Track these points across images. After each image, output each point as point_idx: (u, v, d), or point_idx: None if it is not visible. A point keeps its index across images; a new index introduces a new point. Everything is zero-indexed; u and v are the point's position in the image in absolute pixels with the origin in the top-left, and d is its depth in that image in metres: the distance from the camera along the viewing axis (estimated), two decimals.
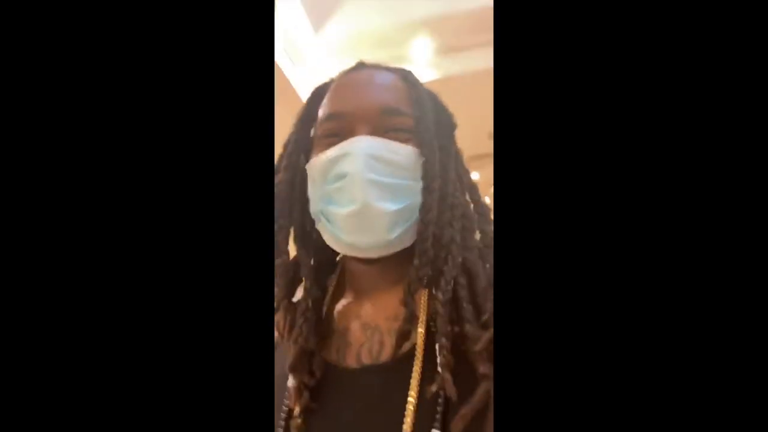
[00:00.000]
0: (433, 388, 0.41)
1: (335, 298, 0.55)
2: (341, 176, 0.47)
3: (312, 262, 0.54)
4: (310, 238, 0.55)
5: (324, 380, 0.47)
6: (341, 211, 0.46)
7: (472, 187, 0.56)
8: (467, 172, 0.56)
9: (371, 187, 0.45)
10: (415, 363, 0.43)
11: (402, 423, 0.41)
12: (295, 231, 0.54)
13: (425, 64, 3.14)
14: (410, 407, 0.41)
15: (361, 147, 0.47)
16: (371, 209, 0.45)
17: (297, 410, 0.45)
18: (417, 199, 0.48)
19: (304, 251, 0.53)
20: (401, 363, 0.44)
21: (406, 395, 0.42)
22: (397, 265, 0.49)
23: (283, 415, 0.47)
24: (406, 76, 0.55)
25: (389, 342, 0.47)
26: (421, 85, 0.54)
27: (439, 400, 0.40)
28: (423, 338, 0.45)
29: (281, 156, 0.56)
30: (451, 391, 0.39)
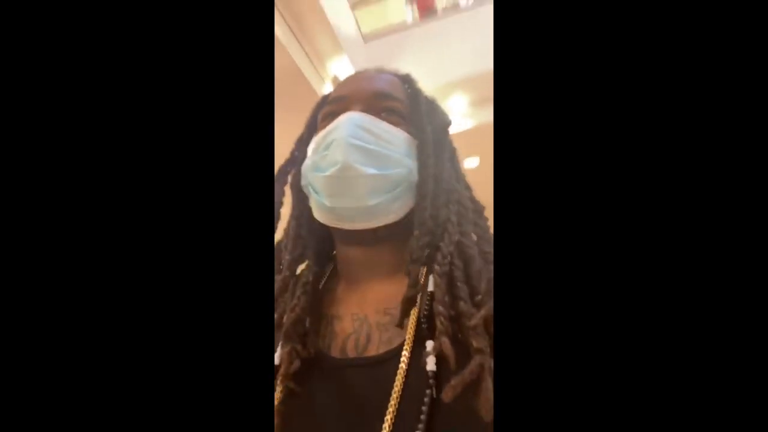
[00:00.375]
0: (428, 364, 0.40)
1: (328, 286, 0.56)
2: (329, 144, 0.50)
3: (313, 242, 0.56)
4: (311, 225, 0.57)
5: (309, 365, 0.46)
6: (323, 174, 0.49)
7: (466, 183, 0.59)
8: (461, 169, 0.59)
9: (353, 150, 0.48)
10: (402, 357, 0.42)
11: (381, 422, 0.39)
12: (297, 217, 0.57)
13: (461, 115, 3.75)
14: (392, 403, 0.40)
15: (349, 117, 0.51)
16: (350, 170, 0.47)
17: (279, 388, 0.45)
18: (401, 171, 0.51)
19: (306, 232, 0.56)
20: (388, 359, 0.43)
21: (380, 390, 0.41)
22: (387, 254, 0.51)
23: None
24: (403, 77, 0.60)
25: (377, 336, 0.47)
26: (416, 84, 0.59)
27: (425, 399, 0.39)
28: (413, 330, 0.44)
29: (291, 151, 0.60)
30: (449, 352, 0.39)
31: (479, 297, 0.43)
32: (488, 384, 0.36)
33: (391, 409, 0.39)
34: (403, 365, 0.42)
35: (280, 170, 0.59)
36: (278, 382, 0.45)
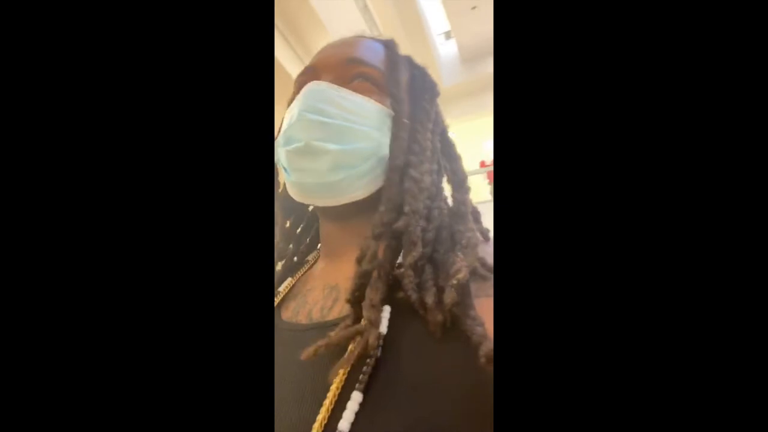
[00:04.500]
0: (381, 326, 0.39)
1: (310, 270, 0.55)
2: (291, 118, 0.48)
3: (287, 224, 0.56)
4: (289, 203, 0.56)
5: (277, 336, 0.46)
6: (289, 147, 0.47)
7: (451, 154, 0.55)
8: (448, 139, 0.56)
9: (312, 126, 0.46)
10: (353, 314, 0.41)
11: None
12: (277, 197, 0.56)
13: None
14: (344, 362, 0.38)
15: (309, 90, 0.48)
16: (311, 147, 0.46)
17: None
18: (367, 145, 0.48)
19: (281, 213, 0.55)
20: (343, 320, 0.42)
21: (339, 354, 0.39)
22: (361, 228, 0.48)
23: None
24: (387, 43, 0.56)
25: (342, 300, 0.45)
26: (398, 49, 0.55)
27: (368, 360, 0.38)
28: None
29: (278, 129, 0.58)
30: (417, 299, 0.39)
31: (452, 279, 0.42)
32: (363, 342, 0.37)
33: (341, 371, 0.38)
34: (355, 323, 0.41)
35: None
36: None
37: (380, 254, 0.43)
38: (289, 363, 0.43)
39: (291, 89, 0.53)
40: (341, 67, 0.50)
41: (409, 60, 0.57)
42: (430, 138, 0.52)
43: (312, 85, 0.48)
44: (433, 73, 0.59)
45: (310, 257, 0.57)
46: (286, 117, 0.50)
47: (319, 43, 0.56)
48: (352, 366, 0.38)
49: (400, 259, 0.44)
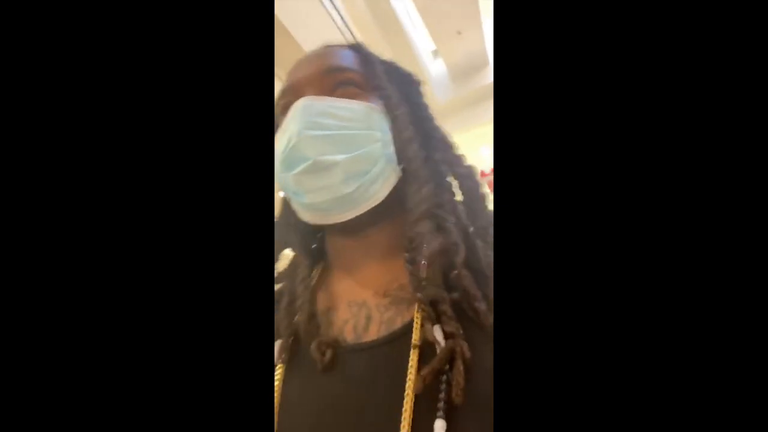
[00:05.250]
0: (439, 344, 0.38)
1: (321, 282, 0.53)
2: (289, 140, 0.46)
3: (299, 239, 0.54)
4: (286, 222, 0.56)
5: (306, 357, 0.44)
6: (296, 170, 0.46)
7: (443, 143, 0.55)
8: (436, 128, 0.55)
9: (316, 142, 0.45)
10: (413, 339, 0.39)
11: (395, 406, 0.37)
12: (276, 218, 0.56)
13: None
14: (408, 391, 0.37)
15: (302, 106, 0.47)
16: (320, 164, 0.45)
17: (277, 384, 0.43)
18: (373, 147, 0.47)
19: (289, 231, 0.54)
20: (392, 340, 0.41)
21: (395, 376, 0.38)
22: (380, 236, 0.48)
23: None
24: (355, 46, 0.56)
25: (377, 317, 0.44)
26: (368, 49, 0.55)
27: (441, 387, 0.36)
28: (421, 311, 0.41)
29: None
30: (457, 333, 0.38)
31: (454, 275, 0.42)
32: (459, 367, 0.36)
33: (409, 391, 0.36)
34: (414, 346, 0.39)
35: None
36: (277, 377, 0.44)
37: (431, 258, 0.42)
38: (329, 385, 0.41)
39: None
40: (322, 78, 0.50)
41: (377, 57, 0.56)
42: (433, 125, 0.52)
43: (302, 102, 0.47)
44: (427, 91, 0.59)
45: (313, 272, 0.55)
46: (281, 141, 0.48)
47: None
48: (416, 386, 0.37)
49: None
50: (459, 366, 0.36)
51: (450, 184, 0.51)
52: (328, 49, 0.54)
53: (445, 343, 0.38)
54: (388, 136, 0.49)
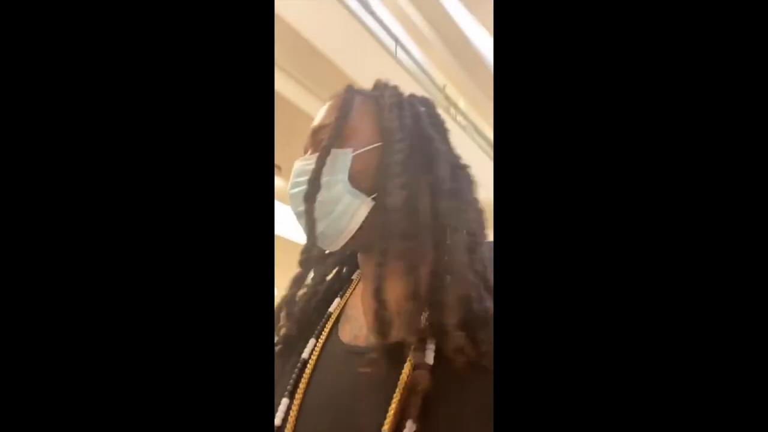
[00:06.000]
0: (427, 357, 0.43)
1: (358, 290, 0.60)
2: None
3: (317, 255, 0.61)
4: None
5: (326, 355, 0.52)
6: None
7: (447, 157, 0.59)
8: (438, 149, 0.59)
9: (294, 198, 0.57)
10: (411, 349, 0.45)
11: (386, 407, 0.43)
12: None
13: None
14: (397, 392, 0.43)
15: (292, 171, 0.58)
16: (298, 215, 0.56)
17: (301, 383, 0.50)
18: (333, 190, 0.55)
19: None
20: (401, 345, 0.46)
21: (391, 378, 0.44)
22: (386, 252, 0.53)
23: (286, 392, 0.50)
24: (344, 92, 0.61)
25: (397, 323, 0.48)
26: (351, 92, 0.60)
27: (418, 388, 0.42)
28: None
29: None
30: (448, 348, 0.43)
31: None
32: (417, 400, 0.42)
33: (394, 402, 0.43)
34: (410, 359, 0.45)
35: None
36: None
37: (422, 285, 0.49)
38: (342, 381, 0.49)
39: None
40: (312, 138, 0.59)
41: (388, 91, 0.62)
42: (404, 151, 0.56)
43: (294, 167, 0.58)
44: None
45: (354, 275, 0.62)
46: None
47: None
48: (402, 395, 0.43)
49: None
50: (417, 399, 0.42)
51: (433, 209, 0.54)
52: (326, 106, 0.61)
53: (408, 376, 0.44)
54: (346, 175, 0.55)
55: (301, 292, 0.59)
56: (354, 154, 0.56)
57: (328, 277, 0.63)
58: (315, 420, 0.47)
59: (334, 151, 0.55)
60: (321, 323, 0.56)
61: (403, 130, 0.57)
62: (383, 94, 0.61)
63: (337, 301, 0.59)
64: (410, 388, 0.43)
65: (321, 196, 0.54)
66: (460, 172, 0.58)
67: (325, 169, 0.55)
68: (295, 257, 0.58)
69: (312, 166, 0.55)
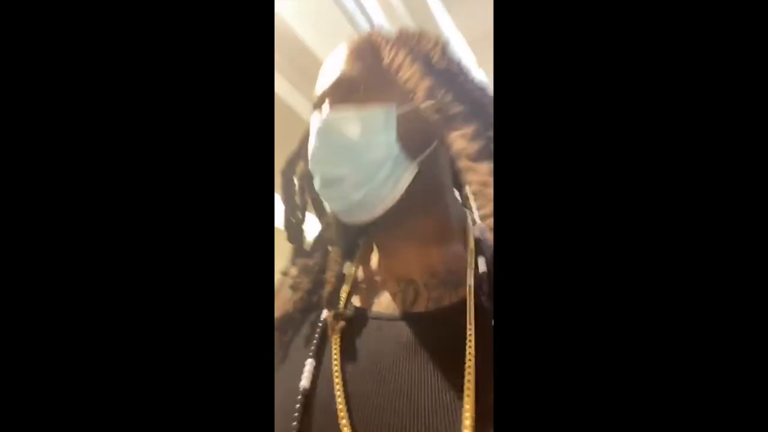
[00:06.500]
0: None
1: (366, 256, 0.56)
2: (309, 156, 0.52)
3: (334, 224, 0.58)
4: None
5: (355, 325, 0.48)
6: (315, 184, 0.52)
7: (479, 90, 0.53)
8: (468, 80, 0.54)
9: (324, 157, 0.50)
10: (468, 312, 0.43)
11: (451, 374, 0.40)
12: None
13: None
14: (470, 361, 0.40)
15: (314, 124, 0.51)
16: (328, 178, 0.50)
17: (334, 347, 0.46)
18: (377, 153, 0.49)
19: (323, 219, 0.59)
20: (441, 316, 0.45)
21: (447, 347, 0.42)
22: (410, 227, 0.51)
23: (311, 353, 0.47)
24: (369, 40, 0.54)
25: (425, 294, 0.47)
26: (379, 39, 0.52)
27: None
28: (473, 291, 0.45)
29: (298, 145, 0.61)
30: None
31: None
32: None
33: (469, 362, 0.40)
34: (471, 319, 0.43)
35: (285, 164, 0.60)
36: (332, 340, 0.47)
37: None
38: (379, 350, 0.45)
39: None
40: (333, 91, 0.52)
41: (402, 35, 0.54)
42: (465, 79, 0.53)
43: (314, 120, 0.51)
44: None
45: (360, 240, 0.59)
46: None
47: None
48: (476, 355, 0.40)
49: None
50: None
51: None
52: (340, 54, 0.54)
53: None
54: (393, 135, 0.49)
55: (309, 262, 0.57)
56: (400, 112, 0.49)
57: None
58: (367, 386, 0.43)
59: (374, 107, 0.49)
60: (335, 289, 0.52)
61: (453, 82, 0.49)
62: (420, 42, 0.52)
63: (348, 264, 0.55)
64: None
65: (362, 158, 0.48)
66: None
67: (365, 127, 0.49)
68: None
69: (349, 123, 0.49)
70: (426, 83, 0.45)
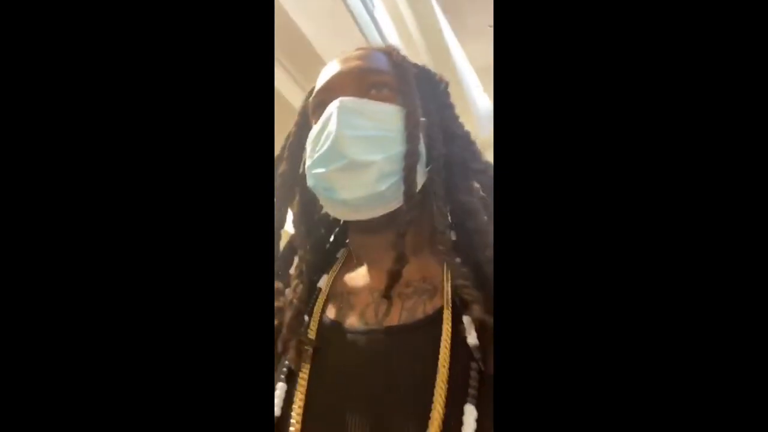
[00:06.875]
0: (470, 338, 0.40)
1: (344, 269, 0.56)
2: (327, 138, 0.49)
3: (306, 232, 0.56)
4: (310, 215, 0.58)
5: (326, 338, 0.47)
6: (331, 168, 0.48)
7: (466, 139, 0.57)
8: (461, 129, 0.58)
9: (353, 141, 0.48)
10: (444, 325, 0.42)
11: (421, 391, 0.39)
12: (294, 210, 0.57)
13: None
14: (442, 373, 0.39)
15: (340, 105, 0.49)
16: (356, 163, 0.47)
17: (303, 367, 0.45)
18: (403, 149, 0.49)
19: (302, 226, 0.56)
20: (416, 328, 0.44)
21: (418, 362, 0.41)
22: (393, 235, 0.49)
23: (283, 376, 0.46)
24: (387, 49, 0.57)
25: (398, 305, 0.47)
26: (401, 53, 0.57)
27: (471, 373, 0.39)
28: (450, 303, 0.44)
29: (282, 147, 0.59)
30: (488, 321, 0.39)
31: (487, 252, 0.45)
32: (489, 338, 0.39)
33: (441, 380, 0.39)
34: (446, 336, 0.41)
35: (278, 174, 0.58)
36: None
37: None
38: (348, 364, 0.44)
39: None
40: (357, 80, 0.52)
41: (408, 60, 0.58)
42: (457, 124, 0.55)
43: (340, 102, 0.49)
44: (468, 119, 0.60)
45: (338, 254, 0.58)
46: (315, 139, 0.51)
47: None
48: (450, 376, 0.39)
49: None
50: (489, 337, 0.38)
51: (471, 182, 0.53)
52: (362, 52, 0.56)
53: (476, 321, 0.40)
54: (420, 138, 0.51)
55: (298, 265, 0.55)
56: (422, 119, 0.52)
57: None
58: (333, 402, 0.42)
59: (398, 108, 0.51)
60: (310, 300, 0.51)
61: (453, 106, 0.56)
62: (418, 67, 0.59)
63: (325, 277, 0.54)
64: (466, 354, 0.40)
65: (392, 150, 0.49)
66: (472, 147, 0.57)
67: (395, 123, 0.50)
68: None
69: (380, 114, 0.49)
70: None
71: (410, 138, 0.49)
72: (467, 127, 0.59)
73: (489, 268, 0.44)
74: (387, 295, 0.46)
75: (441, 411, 0.37)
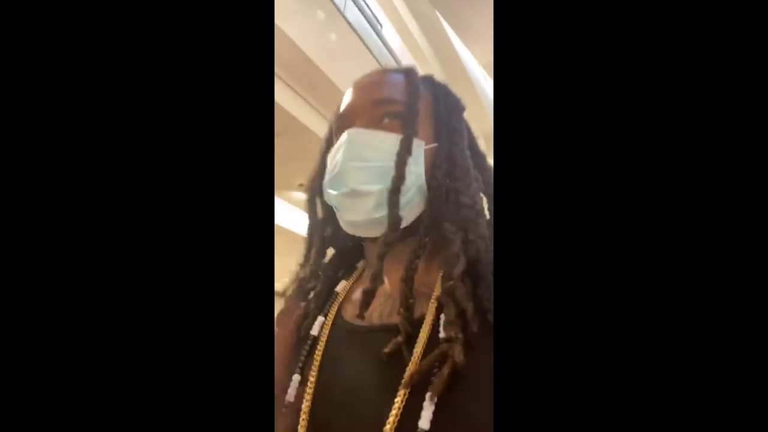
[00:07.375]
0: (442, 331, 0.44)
1: (360, 280, 0.61)
2: (336, 165, 0.54)
3: (323, 239, 0.62)
4: (336, 234, 0.63)
5: (333, 334, 0.53)
6: (337, 192, 0.54)
7: (483, 166, 0.60)
8: (479, 152, 0.61)
9: (357, 172, 0.52)
10: (422, 328, 0.46)
11: (389, 390, 0.43)
12: (321, 215, 0.62)
13: None
14: (409, 371, 0.43)
15: (349, 138, 0.54)
16: (356, 191, 0.52)
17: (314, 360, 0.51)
18: (407, 181, 0.52)
19: (319, 237, 0.62)
20: (411, 326, 0.47)
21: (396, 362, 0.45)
22: (401, 248, 0.53)
23: (298, 369, 0.51)
24: (406, 72, 0.60)
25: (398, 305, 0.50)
26: (417, 78, 0.59)
27: (435, 370, 0.42)
28: (435, 306, 0.48)
29: (319, 157, 0.63)
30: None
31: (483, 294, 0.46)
32: (444, 372, 0.41)
33: (407, 376, 0.43)
34: (423, 335, 0.46)
35: (310, 183, 0.62)
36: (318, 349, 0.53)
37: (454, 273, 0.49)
38: (353, 357, 0.50)
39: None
40: (370, 110, 0.55)
41: (430, 81, 0.61)
42: (468, 155, 0.57)
43: (350, 134, 0.53)
44: (480, 113, 0.60)
45: (359, 264, 0.63)
46: (331, 160, 0.55)
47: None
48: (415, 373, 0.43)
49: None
50: (444, 371, 0.41)
51: (481, 205, 0.55)
52: (379, 77, 0.59)
53: (439, 346, 0.43)
54: (422, 168, 0.54)
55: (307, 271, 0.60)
56: (426, 147, 0.55)
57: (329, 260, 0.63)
58: (335, 396, 0.48)
59: (415, 140, 0.53)
60: (328, 303, 0.57)
61: (462, 132, 0.57)
62: (438, 89, 0.60)
63: (343, 283, 0.59)
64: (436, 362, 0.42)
65: (389, 182, 0.51)
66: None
67: (407, 157, 0.52)
68: (293, 247, 0.58)
69: (386, 145, 0.52)
70: (434, 124, 0.56)
71: (397, 165, 0.51)
72: (476, 120, 0.60)
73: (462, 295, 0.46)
74: (361, 315, 0.50)
75: (402, 398, 0.42)
